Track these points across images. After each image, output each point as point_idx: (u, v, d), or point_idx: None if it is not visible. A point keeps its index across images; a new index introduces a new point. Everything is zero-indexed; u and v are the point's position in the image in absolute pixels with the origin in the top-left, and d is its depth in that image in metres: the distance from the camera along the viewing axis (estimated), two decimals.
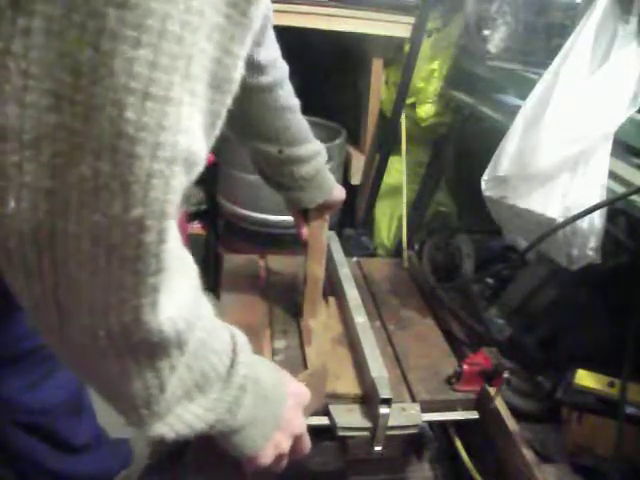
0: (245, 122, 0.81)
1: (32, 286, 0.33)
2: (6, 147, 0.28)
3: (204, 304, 0.44)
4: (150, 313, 0.35)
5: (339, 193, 0.93)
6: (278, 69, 0.77)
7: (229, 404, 0.47)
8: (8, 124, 0.28)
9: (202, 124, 0.34)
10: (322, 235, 0.97)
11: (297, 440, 0.59)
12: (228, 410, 0.48)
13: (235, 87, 0.35)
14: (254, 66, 0.73)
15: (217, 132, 0.36)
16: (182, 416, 0.44)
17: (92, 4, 0.26)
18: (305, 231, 0.95)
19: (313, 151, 0.85)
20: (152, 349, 0.38)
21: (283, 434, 0.56)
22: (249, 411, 0.50)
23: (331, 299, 1.11)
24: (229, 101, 0.36)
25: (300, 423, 0.59)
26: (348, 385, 0.90)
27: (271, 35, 0.76)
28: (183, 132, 0.31)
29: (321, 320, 1.04)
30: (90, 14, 0.26)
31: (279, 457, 0.57)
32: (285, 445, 0.56)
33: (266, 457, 0.54)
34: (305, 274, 1.00)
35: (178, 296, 0.38)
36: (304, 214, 0.94)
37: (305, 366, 0.91)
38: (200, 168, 0.34)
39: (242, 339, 0.50)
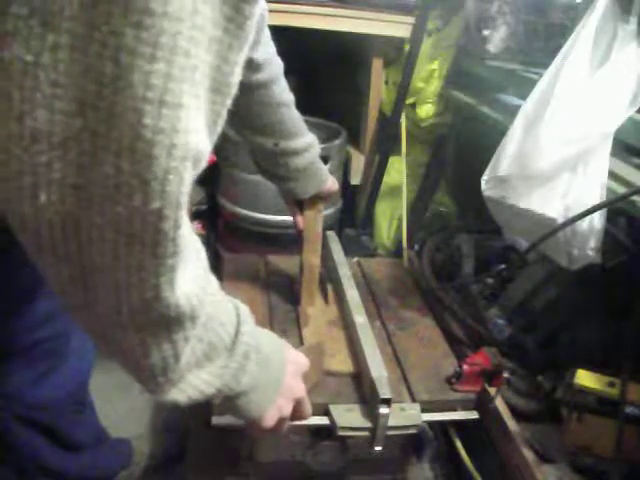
0: (242, 117, 0.85)
1: (60, 269, 0.37)
2: (37, 148, 0.32)
3: (212, 280, 0.48)
4: (168, 290, 0.39)
5: (332, 184, 0.98)
6: (273, 66, 0.82)
7: (234, 370, 0.52)
8: (38, 127, 0.31)
9: (205, 124, 0.37)
10: (317, 224, 1.00)
11: (298, 404, 0.63)
12: (233, 376, 0.52)
13: (234, 90, 0.39)
14: (251, 64, 0.77)
15: (219, 129, 0.39)
16: (193, 382, 0.49)
17: (112, 24, 0.29)
18: (300, 221, 0.99)
19: (307, 144, 0.89)
20: (169, 323, 0.42)
21: (284, 398, 0.60)
22: (252, 376, 0.54)
23: (329, 286, 1.14)
24: (228, 102, 0.39)
25: (300, 388, 0.63)
26: (342, 363, 0.93)
27: (267, 33, 0.80)
28: (192, 132, 0.34)
29: (318, 306, 1.07)
30: (110, 32, 0.29)
31: (281, 420, 0.61)
32: (286, 409, 0.61)
33: (269, 420, 0.59)
34: (301, 263, 1.03)
35: (191, 274, 0.42)
36: (299, 204, 0.98)
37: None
38: (204, 163, 0.38)
39: (245, 310, 0.55)
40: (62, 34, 0.29)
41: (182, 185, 0.35)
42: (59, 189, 0.33)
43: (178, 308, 0.41)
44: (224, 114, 0.39)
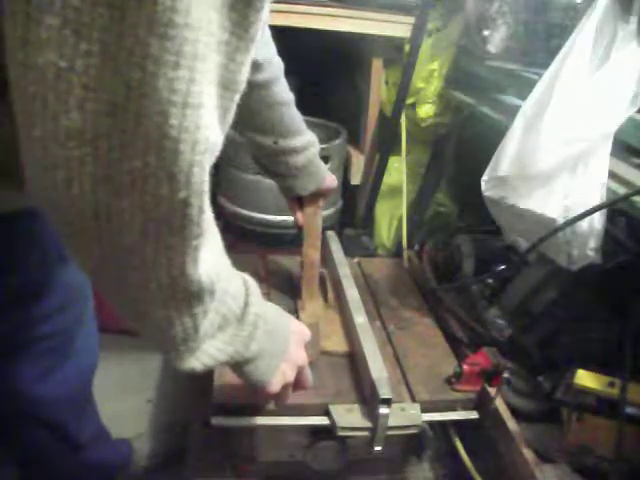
0: (243, 116, 0.87)
1: (92, 251, 0.41)
2: (70, 144, 0.34)
3: (225, 256, 0.52)
4: (192, 267, 0.43)
5: (331, 181, 1.00)
6: (274, 66, 0.83)
7: (244, 338, 0.56)
8: (72, 126, 0.34)
9: (217, 118, 0.40)
10: (316, 221, 1.02)
11: (300, 372, 0.68)
12: (243, 343, 0.56)
13: (242, 86, 0.41)
14: (252, 64, 0.76)
15: (229, 121, 0.42)
16: (208, 351, 0.53)
17: (138, 35, 0.32)
18: (300, 217, 1.01)
19: (306, 142, 0.91)
20: (191, 297, 0.46)
21: (288, 365, 0.64)
22: (260, 344, 0.58)
23: (328, 285, 1.16)
24: (237, 97, 0.42)
25: (303, 357, 0.67)
26: (337, 343, 0.97)
27: (267, 34, 0.82)
28: (210, 128, 0.37)
29: (317, 301, 1.10)
30: (137, 42, 0.32)
31: (286, 386, 0.65)
32: (290, 375, 0.65)
33: (275, 385, 0.63)
34: (302, 259, 1.05)
35: (211, 253, 0.46)
36: (299, 201, 1.00)
37: None
38: (217, 154, 0.40)
39: (252, 283, 0.59)
40: (93, 43, 0.32)
41: (204, 174, 0.38)
42: (91, 181, 0.36)
43: (200, 284, 0.45)
44: (233, 109, 0.42)
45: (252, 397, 0.70)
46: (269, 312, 0.61)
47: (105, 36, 0.32)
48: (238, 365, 0.59)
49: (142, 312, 0.46)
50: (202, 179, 0.38)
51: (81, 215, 0.38)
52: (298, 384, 0.69)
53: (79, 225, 0.38)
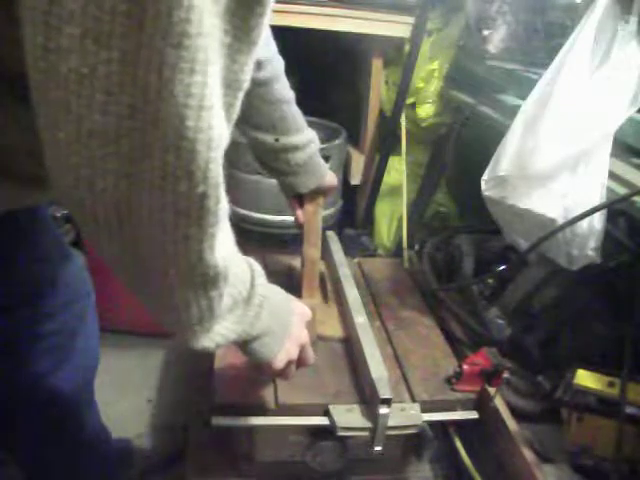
0: (244, 113, 0.86)
1: (114, 243, 0.43)
2: (93, 145, 0.36)
3: (234, 242, 0.55)
4: (209, 254, 0.45)
5: (332, 179, 1.01)
6: (275, 64, 0.85)
7: (251, 318, 0.59)
8: (95, 128, 0.36)
9: (223, 115, 0.41)
10: (316, 219, 1.03)
11: (303, 350, 0.71)
12: (250, 323, 0.60)
13: (244, 85, 0.43)
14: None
15: (234, 117, 0.44)
16: (220, 331, 0.56)
17: (155, 44, 0.33)
18: (300, 215, 1.02)
19: (307, 139, 0.93)
20: (207, 282, 0.48)
21: (292, 343, 0.68)
22: (266, 323, 0.62)
23: (326, 275, 1.17)
24: (240, 95, 0.43)
25: (305, 335, 0.71)
26: (333, 329, 1.00)
27: (268, 33, 0.82)
28: (221, 125, 0.39)
29: (317, 299, 1.10)
30: (154, 51, 0.33)
31: (289, 363, 0.68)
32: (294, 353, 0.68)
33: (280, 362, 0.66)
34: (302, 257, 1.05)
35: (225, 239, 0.48)
36: (299, 199, 1.01)
37: None
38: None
39: (257, 266, 0.62)
40: (113, 51, 0.33)
41: (219, 168, 0.40)
42: (113, 178, 0.38)
43: (216, 268, 0.47)
44: (237, 106, 0.43)
45: (258, 372, 0.74)
46: (273, 293, 0.64)
47: (124, 44, 0.33)
48: (245, 343, 0.62)
49: (160, 296, 0.49)
50: (218, 173, 0.40)
51: (103, 210, 0.40)
52: (301, 361, 0.72)
53: (101, 221, 0.41)
